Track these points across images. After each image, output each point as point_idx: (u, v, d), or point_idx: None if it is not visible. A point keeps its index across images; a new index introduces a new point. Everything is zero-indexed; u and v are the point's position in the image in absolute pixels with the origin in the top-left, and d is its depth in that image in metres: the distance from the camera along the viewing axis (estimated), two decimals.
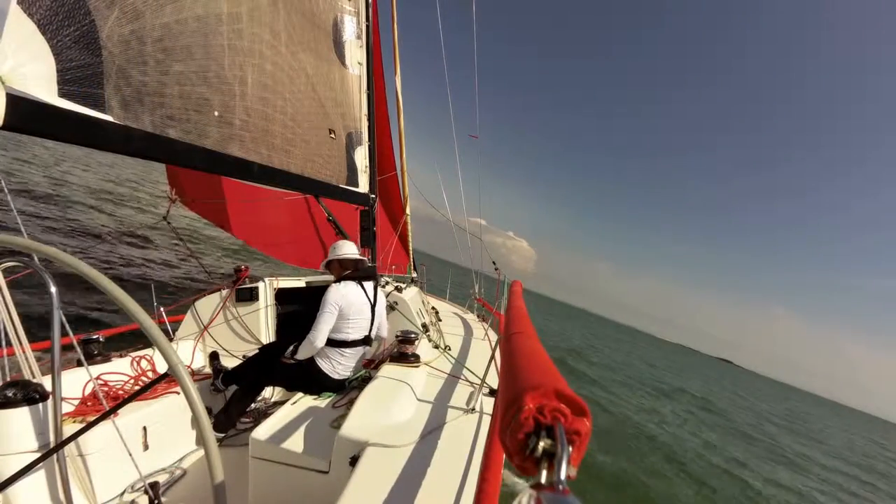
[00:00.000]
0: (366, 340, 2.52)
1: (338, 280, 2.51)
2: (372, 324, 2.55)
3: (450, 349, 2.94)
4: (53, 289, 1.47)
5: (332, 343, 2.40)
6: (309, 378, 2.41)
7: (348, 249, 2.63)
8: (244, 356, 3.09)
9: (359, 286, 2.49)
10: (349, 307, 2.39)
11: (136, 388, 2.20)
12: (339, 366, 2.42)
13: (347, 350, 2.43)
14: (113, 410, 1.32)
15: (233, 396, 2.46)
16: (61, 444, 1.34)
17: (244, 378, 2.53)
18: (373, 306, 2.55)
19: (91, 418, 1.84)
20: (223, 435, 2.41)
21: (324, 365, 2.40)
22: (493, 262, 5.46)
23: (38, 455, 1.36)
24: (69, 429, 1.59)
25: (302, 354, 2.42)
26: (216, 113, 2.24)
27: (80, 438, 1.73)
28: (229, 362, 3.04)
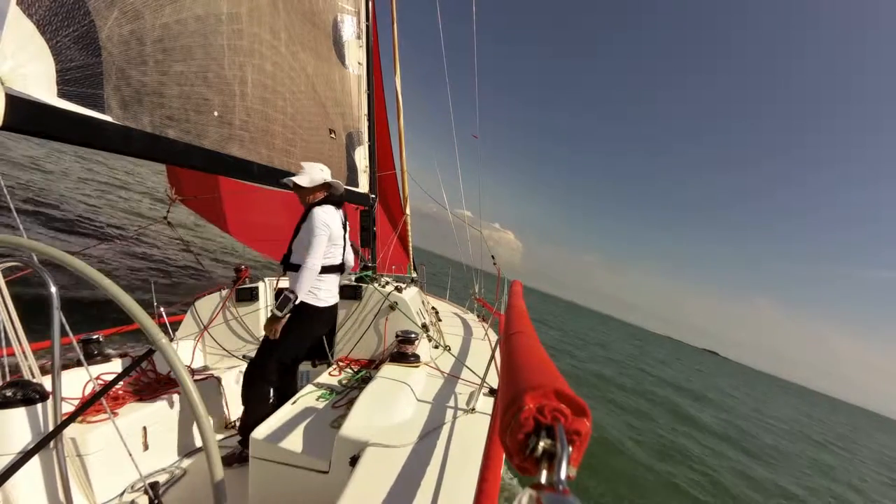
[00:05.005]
0: (341, 267, 2.52)
1: (316, 203, 2.35)
2: (344, 251, 2.53)
3: (450, 349, 2.94)
4: (53, 289, 1.47)
5: None
6: (299, 320, 2.33)
7: (322, 174, 2.38)
8: (244, 356, 3.09)
9: (337, 210, 2.43)
10: (332, 231, 2.31)
11: (136, 388, 2.21)
12: (321, 292, 2.39)
13: (325, 276, 2.38)
14: (101, 394, 1.32)
15: (248, 408, 2.31)
16: (50, 436, 1.34)
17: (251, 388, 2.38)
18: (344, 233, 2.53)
19: (91, 418, 1.84)
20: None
21: (308, 298, 2.33)
22: (493, 257, 5.45)
23: (37, 455, 1.36)
24: (69, 429, 1.59)
25: (304, 286, 2.22)
26: (216, 113, 2.24)
27: (80, 439, 1.73)
28: (229, 362, 3.04)
